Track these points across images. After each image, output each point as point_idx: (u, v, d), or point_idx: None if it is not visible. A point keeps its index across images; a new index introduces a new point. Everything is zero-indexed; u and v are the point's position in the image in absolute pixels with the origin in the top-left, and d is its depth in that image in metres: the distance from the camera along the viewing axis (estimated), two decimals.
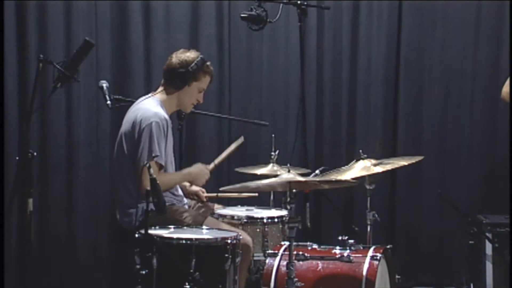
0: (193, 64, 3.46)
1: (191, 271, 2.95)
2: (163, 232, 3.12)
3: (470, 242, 4.10)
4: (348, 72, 4.72)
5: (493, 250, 4.10)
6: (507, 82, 4.09)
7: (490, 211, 4.49)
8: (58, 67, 3.12)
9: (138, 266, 2.96)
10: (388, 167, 3.43)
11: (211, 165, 3.63)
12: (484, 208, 4.55)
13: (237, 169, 4.02)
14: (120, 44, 4.43)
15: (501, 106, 4.68)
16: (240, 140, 3.81)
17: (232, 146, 3.80)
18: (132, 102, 3.61)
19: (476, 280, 4.19)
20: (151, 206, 2.95)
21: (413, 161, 3.56)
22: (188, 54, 3.50)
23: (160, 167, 3.39)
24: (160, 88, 3.55)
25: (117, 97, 3.73)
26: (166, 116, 3.44)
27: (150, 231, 2.98)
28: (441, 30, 4.73)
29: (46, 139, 4.28)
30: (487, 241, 4.11)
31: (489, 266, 4.11)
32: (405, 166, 3.52)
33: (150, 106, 3.44)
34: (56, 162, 4.30)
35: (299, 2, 4.01)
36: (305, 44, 4.20)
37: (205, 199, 3.76)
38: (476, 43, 4.72)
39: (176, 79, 3.47)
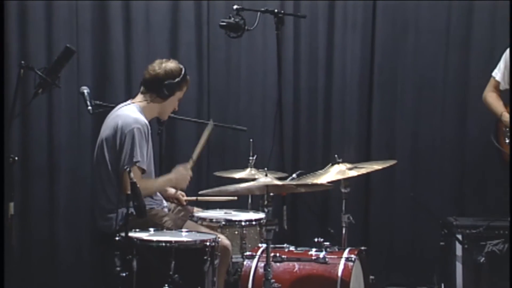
0: (181, 75, 3.51)
1: (171, 273, 2.97)
2: (143, 235, 3.13)
3: (441, 243, 4.18)
4: (323, 79, 4.77)
5: (462, 251, 4.16)
6: (488, 86, 4.22)
7: (460, 213, 4.58)
8: (40, 73, 3.13)
9: (118, 269, 2.97)
10: (363, 171, 3.48)
11: (190, 163, 3.59)
12: (455, 210, 4.63)
13: (216, 173, 4.07)
14: (100, 51, 4.45)
15: (471, 111, 4.81)
16: (210, 125, 3.74)
17: (205, 135, 3.70)
18: (113, 108, 3.62)
19: (447, 280, 4.26)
20: (131, 209, 2.98)
21: (387, 165, 3.62)
22: (171, 64, 3.53)
23: (143, 171, 3.42)
24: (141, 96, 3.56)
25: (98, 102, 3.75)
26: (146, 122, 3.47)
27: (130, 234, 3.00)
28: (413, 39, 4.79)
29: (27, 144, 4.29)
30: (457, 243, 4.17)
31: (459, 267, 4.17)
32: (379, 170, 3.57)
33: (130, 112, 3.47)
34: (37, 167, 4.31)
35: (276, 11, 4.10)
36: (282, 52, 4.27)
37: (184, 203, 3.79)
38: (447, 51, 4.79)
39: (162, 89, 3.48)
